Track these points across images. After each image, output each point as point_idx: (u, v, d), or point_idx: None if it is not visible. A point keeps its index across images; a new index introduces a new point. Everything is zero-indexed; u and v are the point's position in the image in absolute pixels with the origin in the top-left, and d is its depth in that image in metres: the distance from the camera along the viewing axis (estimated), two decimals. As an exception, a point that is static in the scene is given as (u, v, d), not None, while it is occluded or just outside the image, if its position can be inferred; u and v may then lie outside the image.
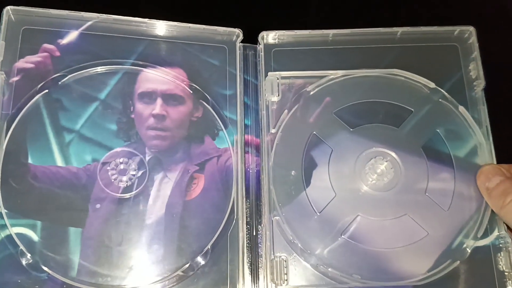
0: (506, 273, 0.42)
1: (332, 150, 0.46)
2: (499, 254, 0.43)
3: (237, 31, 0.48)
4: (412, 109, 0.47)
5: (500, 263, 0.42)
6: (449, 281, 0.42)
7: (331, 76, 0.48)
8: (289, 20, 0.54)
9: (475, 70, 0.47)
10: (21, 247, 0.40)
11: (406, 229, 0.44)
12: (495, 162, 0.45)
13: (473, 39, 0.48)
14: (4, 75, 0.43)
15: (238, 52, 0.48)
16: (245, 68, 0.49)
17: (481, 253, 0.43)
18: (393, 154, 0.46)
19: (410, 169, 0.45)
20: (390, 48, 0.48)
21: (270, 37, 0.49)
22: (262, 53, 0.49)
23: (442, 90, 0.47)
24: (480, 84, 0.47)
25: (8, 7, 0.44)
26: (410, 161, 0.46)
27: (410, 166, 0.45)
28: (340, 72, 0.48)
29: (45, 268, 0.40)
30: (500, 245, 0.43)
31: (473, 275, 0.43)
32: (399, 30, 0.48)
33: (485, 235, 0.43)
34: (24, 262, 0.40)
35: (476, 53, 0.47)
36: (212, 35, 0.48)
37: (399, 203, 0.45)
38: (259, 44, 0.49)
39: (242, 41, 0.49)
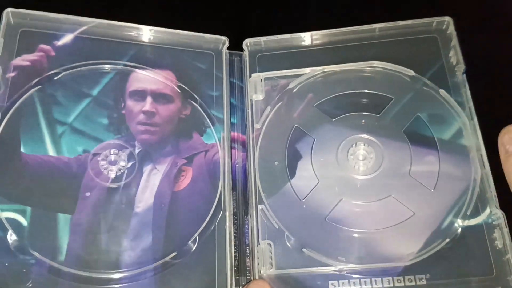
0: (503, 251, 0.42)
1: (315, 140, 0.48)
2: (493, 232, 0.43)
3: (224, 38, 0.52)
4: (393, 97, 0.49)
5: (496, 241, 0.43)
6: (440, 261, 0.42)
7: (311, 73, 0.50)
8: (273, 26, 0.58)
9: (455, 56, 0.49)
10: (10, 230, 0.40)
11: (391, 211, 0.45)
12: (481, 141, 0.46)
13: (451, 28, 0.50)
14: (1, 70, 0.45)
15: (224, 58, 0.52)
16: (231, 72, 0.52)
17: (473, 232, 0.43)
18: (375, 139, 0.47)
19: (392, 153, 0.47)
20: (370, 44, 0.51)
21: (253, 42, 0.52)
22: (247, 59, 0.52)
23: (422, 77, 0.49)
24: (460, 68, 0.49)
25: (8, 9, 0.47)
26: (392, 146, 0.47)
27: (392, 150, 0.47)
28: (319, 68, 0.50)
29: (33, 252, 0.40)
30: (494, 223, 0.43)
31: (466, 254, 0.43)
32: (377, 26, 0.51)
33: (476, 213, 0.44)
34: (12, 245, 0.40)
35: (455, 41, 0.49)
36: (200, 42, 0.52)
37: (382, 186, 0.46)
38: (244, 50, 0.52)
39: (228, 48, 0.52)
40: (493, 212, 0.44)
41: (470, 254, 0.43)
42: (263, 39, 0.52)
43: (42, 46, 0.47)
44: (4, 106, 0.44)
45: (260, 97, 0.50)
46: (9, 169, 0.43)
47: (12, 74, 0.46)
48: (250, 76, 0.51)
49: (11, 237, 0.40)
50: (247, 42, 0.52)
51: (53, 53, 0.48)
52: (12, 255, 0.40)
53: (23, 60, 0.46)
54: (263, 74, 0.51)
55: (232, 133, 0.49)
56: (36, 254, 0.40)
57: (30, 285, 0.39)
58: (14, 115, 0.45)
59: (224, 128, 0.49)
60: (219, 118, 0.49)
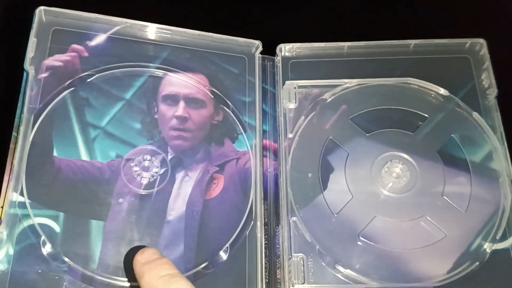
0: None
1: (349, 154, 0.48)
2: None
3: (257, 42, 0.51)
4: (427, 115, 0.49)
5: None
6: (469, 284, 0.43)
7: (347, 85, 0.50)
8: (306, 32, 0.57)
9: (487, 79, 0.49)
10: (43, 237, 0.40)
11: (423, 231, 0.45)
12: (510, 167, 0.46)
13: (484, 50, 0.50)
14: (34, 71, 0.44)
15: (257, 62, 0.51)
16: (264, 78, 0.51)
17: (501, 255, 0.44)
18: (409, 158, 0.47)
19: (426, 172, 0.47)
20: (403, 60, 0.51)
21: (287, 49, 0.51)
22: (280, 64, 0.51)
23: (455, 97, 0.49)
24: (492, 92, 0.49)
25: (41, 7, 0.46)
26: (426, 165, 0.47)
27: (426, 169, 0.47)
28: (355, 81, 0.50)
29: (66, 259, 0.40)
30: None
31: (494, 278, 0.43)
32: (412, 42, 0.51)
33: (504, 237, 0.44)
34: (45, 252, 0.40)
35: (487, 64, 0.50)
36: (233, 46, 0.51)
37: (416, 205, 0.46)
38: (277, 55, 0.51)
39: (261, 52, 0.51)
40: None
41: (496, 278, 0.43)
42: (296, 45, 0.51)
43: (75, 46, 0.46)
44: (37, 108, 0.44)
45: (293, 105, 0.50)
46: (42, 174, 0.42)
47: (44, 75, 0.45)
48: (283, 83, 0.50)
49: (44, 243, 0.40)
50: (281, 47, 0.51)
51: (86, 54, 0.47)
52: (45, 262, 0.40)
53: (55, 60, 0.46)
54: (297, 82, 0.50)
55: (264, 141, 0.48)
56: (69, 261, 0.40)
57: (63, 292, 0.39)
58: (47, 117, 0.44)
59: (256, 135, 0.48)
60: (251, 125, 0.48)
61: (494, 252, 0.44)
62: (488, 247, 0.44)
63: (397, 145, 0.48)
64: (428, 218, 0.45)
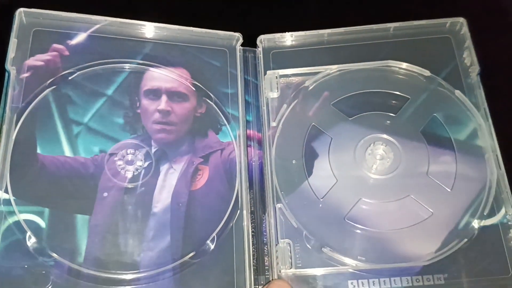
0: None
1: (332, 138, 0.48)
2: (509, 232, 0.43)
3: (237, 35, 0.51)
4: (409, 97, 0.49)
5: (511, 241, 0.43)
6: (458, 260, 0.43)
7: (327, 71, 0.50)
8: (286, 22, 0.57)
9: (469, 57, 0.49)
10: (29, 232, 0.40)
11: (410, 210, 0.45)
12: (496, 143, 0.46)
13: (465, 29, 0.50)
14: (15, 71, 0.45)
15: (238, 55, 0.51)
16: (245, 69, 0.51)
17: (489, 232, 0.43)
18: (392, 139, 0.47)
19: (410, 153, 0.47)
20: (384, 43, 0.51)
21: (268, 39, 0.51)
22: (261, 55, 0.51)
23: (437, 77, 0.49)
24: (475, 70, 0.49)
25: (21, 9, 0.47)
26: (410, 146, 0.47)
27: (410, 150, 0.47)
28: (335, 67, 0.50)
29: (52, 254, 0.40)
30: (509, 223, 0.43)
31: (483, 254, 0.43)
32: (392, 25, 0.51)
33: (491, 214, 0.44)
34: (31, 247, 0.40)
35: (468, 42, 0.50)
36: (213, 39, 0.51)
37: (401, 186, 0.46)
38: (258, 47, 0.52)
39: (242, 45, 0.51)
40: (509, 213, 0.44)
41: (486, 254, 0.43)
42: (277, 35, 0.52)
43: (56, 45, 0.47)
44: (19, 107, 0.44)
45: (276, 94, 0.50)
46: (26, 171, 0.42)
47: (26, 75, 0.45)
48: (264, 72, 0.50)
49: (30, 239, 0.40)
50: (261, 39, 0.52)
51: (66, 53, 0.47)
52: (31, 257, 0.40)
53: (36, 60, 0.46)
54: (278, 72, 0.50)
55: (248, 131, 0.49)
56: (55, 255, 0.40)
57: (50, 287, 0.39)
58: (29, 116, 0.44)
59: (240, 125, 0.48)
60: (235, 116, 0.49)
61: (483, 229, 0.44)
62: (476, 223, 0.44)
63: (380, 128, 0.48)
64: (414, 197, 0.45)
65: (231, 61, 0.51)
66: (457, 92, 0.49)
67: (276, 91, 0.50)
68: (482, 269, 0.43)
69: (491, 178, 0.45)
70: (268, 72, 0.50)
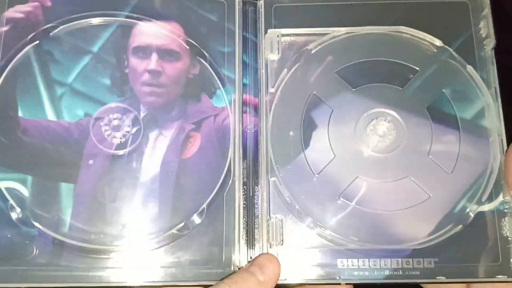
0: (510, 239, 0.41)
1: (333, 110, 0.45)
2: (503, 219, 0.42)
3: (237, -15, 0.46)
4: (418, 68, 0.46)
5: (504, 228, 0.42)
6: (450, 246, 0.42)
7: (334, 34, 0.46)
8: None
9: (486, 28, 0.46)
10: (11, 201, 0.39)
11: (407, 192, 0.43)
12: (502, 125, 0.43)
13: None
14: (-7, 24, 0.41)
15: (237, 7, 0.47)
16: (244, 25, 0.47)
17: (485, 218, 0.42)
18: (396, 115, 0.45)
19: (413, 130, 0.44)
20: (396, 4, 0.47)
21: (271, -8, 0.47)
22: (262, 9, 0.47)
23: (449, 48, 0.46)
24: (490, 43, 0.45)
25: (-2, -47, 0.42)
26: (414, 122, 0.44)
27: (413, 127, 0.44)
28: (343, 29, 0.46)
29: (36, 224, 0.39)
30: (505, 210, 0.42)
31: (476, 240, 0.42)
32: None
33: (489, 199, 0.42)
34: (14, 217, 0.39)
35: (487, 11, 0.46)
36: (210, -11, 0.47)
37: (400, 165, 0.44)
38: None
39: (242, -3, 0.47)
40: (506, 200, 0.42)
41: (479, 241, 0.42)
42: (281, -13, 0.47)
43: None
44: (-1, 65, 0.41)
45: (276, 56, 0.46)
46: (7, 136, 0.40)
47: (5, 29, 0.42)
48: (266, 32, 0.46)
49: (12, 208, 0.39)
50: (264, -10, 0.47)
51: (48, 3, 0.43)
52: (15, 227, 0.39)
53: (16, 11, 0.42)
54: (280, 31, 0.46)
55: (244, 96, 0.46)
56: (38, 225, 0.39)
57: (33, 256, 0.39)
58: (10, 75, 0.41)
59: (236, 89, 0.45)
60: (230, 78, 0.45)
61: (479, 214, 0.42)
62: (473, 209, 0.42)
63: (385, 101, 0.45)
64: (412, 178, 0.43)
65: (229, 15, 0.47)
66: (469, 68, 0.45)
67: (277, 52, 0.46)
68: (473, 255, 0.42)
69: (493, 163, 0.43)
70: (269, 30, 0.46)
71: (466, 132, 0.44)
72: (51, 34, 0.43)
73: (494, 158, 0.43)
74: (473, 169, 0.43)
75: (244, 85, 0.46)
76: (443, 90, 0.45)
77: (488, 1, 0.46)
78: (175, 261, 0.41)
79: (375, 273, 0.42)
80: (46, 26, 0.43)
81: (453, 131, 0.44)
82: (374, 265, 0.42)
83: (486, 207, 0.42)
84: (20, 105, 0.41)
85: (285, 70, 0.46)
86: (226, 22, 0.46)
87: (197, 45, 0.45)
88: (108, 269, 0.40)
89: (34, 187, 0.40)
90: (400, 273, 0.42)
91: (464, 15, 0.47)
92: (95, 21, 0.44)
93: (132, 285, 0.40)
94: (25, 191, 0.40)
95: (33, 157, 0.41)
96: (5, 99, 0.41)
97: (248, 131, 0.45)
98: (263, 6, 0.47)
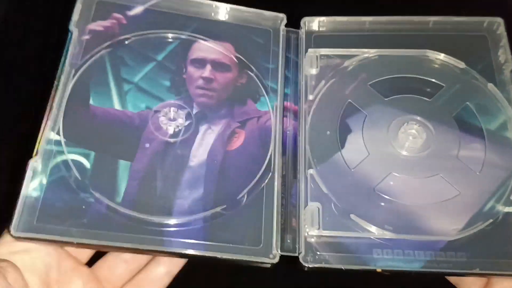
0: None
1: (366, 115, 0.49)
2: None
3: (282, 16, 0.54)
4: (444, 85, 0.50)
5: None
6: (482, 240, 0.43)
7: (366, 55, 0.52)
8: (329, 6, 0.60)
9: (504, 55, 0.51)
10: (74, 170, 0.43)
11: (438, 188, 0.45)
12: None
13: (501, 29, 0.51)
14: (77, 32, 0.49)
15: (281, 34, 0.54)
16: (287, 48, 0.54)
17: None
18: (426, 121, 0.49)
19: (441, 136, 0.48)
20: (423, 35, 0.53)
21: (311, 22, 0.54)
22: (304, 36, 0.54)
23: (472, 70, 0.50)
24: (508, 67, 0.50)
25: (87, -19, 0.52)
26: (442, 129, 0.48)
27: (441, 133, 0.48)
28: (373, 50, 0.52)
29: (93, 191, 0.43)
30: None
31: (507, 236, 0.43)
32: (432, 19, 0.53)
33: None
34: (74, 184, 0.43)
35: (504, 41, 0.51)
36: (258, 19, 0.54)
37: (431, 165, 0.46)
38: (301, 28, 0.54)
39: (285, 25, 0.54)
40: None
41: (510, 237, 0.43)
42: (320, 19, 0.54)
43: (115, 14, 0.51)
44: (78, 64, 0.48)
45: (315, 71, 0.52)
46: (78, 118, 0.46)
47: (86, 37, 0.50)
48: (305, 51, 0.53)
49: (74, 176, 0.43)
50: (305, 21, 0.54)
51: (124, 21, 0.52)
52: (74, 193, 0.43)
53: (97, 25, 0.51)
54: (319, 50, 0.53)
55: (285, 103, 0.51)
56: (95, 193, 0.43)
57: (85, 221, 0.42)
58: (86, 71, 0.48)
59: (278, 97, 0.50)
60: (273, 89, 0.51)
61: (507, 214, 0.44)
62: (501, 208, 0.44)
63: (414, 110, 0.49)
64: (442, 176, 0.46)
65: (274, 40, 0.54)
66: (490, 85, 0.50)
67: (316, 67, 0.52)
68: (505, 251, 0.43)
69: None
70: (309, 50, 0.52)
71: (491, 141, 0.48)
72: (125, 43, 0.50)
73: None
74: (499, 173, 0.46)
75: (285, 94, 0.51)
76: (468, 103, 0.49)
77: (505, 33, 0.52)
78: (216, 237, 0.43)
79: (410, 264, 0.43)
80: (121, 38, 0.51)
81: (479, 140, 0.48)
82: (409, 256, 0.43)
83: None
84: (92, 95, 0.47)
85: (323, 81, 0.51)
86: (272, 45, 0.53)
87: (245, 61, 0.52)
88: (153, 237, 0.42)
89: (96, 161, 0.45)
90: (435, 265, 0.42)
91: (484, 46, 0.52)
92: (162, 36, 0.52)
93: (174, 251, 0.42)
94: (87, 164, 0.44)
95: (97, 136, 0.46)
96: (80, 88, 0.47)
97: (288, 133, 0.49)
98: (304, 34, 0.54)
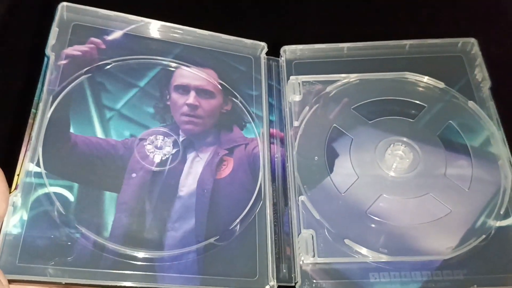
0: None
1: (353, 139, 0.50)
2: None
3: (262, 44, 0.54)
4: (426, 105, 0.52)
5: None
6: (477, 256, 0.43)
7: (347, 80, 0.53)
8: (307, 34, 0.61)
9: (480, 73, 0.52)
10: (57, 204, 0.40)
11: (429, 207, 0.46)
12: (508, 150, 0.48)
13: (476, 49, 0.53)
14: (53, 57, 0.47)
15: (263, 62, 0.54)
16: (269, 75, 0.54)
17: (506, 232, 0.45)
18: (411, 142, 0.50)
19: (428, 155, 0.49)
20: (400, 58, 0.54)
21: (290, 50, 0.55)
22: (284, 64, 0.54)
23: (452, 89, 0.52)
24: (486, 84, 0.52)
25: (63, 3, 0.49)
26: (428, 149, 0.49)
27: (427, 152, 0.49)
28: (354, 75, 0.53)
29: (79, 227, 0.40)
30: None
31: (501, 251, 0.44)
32: (408, 42, 0.54)
33: (507, 215, 0.45)
34: (58, 219, 0.40)
35: (479, 60, 0.53)
36: (239, 47, 0.54)
37: (420, 185, 0.47)
38: (281, 56, 0.54)
39: (266, 53, 0.54)
40: None
41: (505, 251, 0.44)
42: (299, 47, 0.55)
43: (93, 39, 0.49)
44: (56, 90, 0.46)
45: (298, 98, 0.52)
46: (58, 148, 0.43)
47: (64, 62, 0.47)
48: (287, 78, 0.53)
49: (58, 210, 0.40)
50: (285, 49, 0.54)
51: (103, 46, 0.50)
52: (58, 228, 0.40)
53: (74, 50, 0.48)
54: (301, 77, 0.53)
55: (271, 130, 0.50)
56: (81, 228, 0.40)
57: (74, 257, 0.39)
58: (65, 98, 0.46)
59: (264, 124, 0.50)
60: (258, 116, 0.51)
61: (500, 229, 0.45)
62: (492, 224, 0.45)
63: (399, 131, 0.50)
64: (432, 195, 0.47)
65: (256, 68, 0.54)
66: (471, 103, 0.51)
67: (299, 94, 0.52)
68: (501, 265, 0.43)
69: (504, 182, 0.47)
70: (291, 77, 0.53)
71: (476, 157, 0.49)
72: (104, 68, 0.48)
73: (506, 178, 0.47)
74: (488, 188, 0.47)
75: (270, 121, 0.51)
76: (450, 121, 0.51)
77: (480, 53, 0.53)
78: (211, 270, 0.41)
79: (408, 285, 0.43)
80: (100, 63, 0.49)
81: (465, 157, 0.49)
82: (405, 277, 0.43)
83: (504, 222, 0.45)
84: (72, 122, 0.45)
85: (307, 107, 0.51)
86: (254, 73, 0.53)
87: (229, 88, 0.51)
88: (144, 273, 0.40)
89: (80, 193, 0.42)
90: (432, 285, 0.43)
91: (460, 66, 0.54)
92: (144, 62, 0.50)
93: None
94: (71, 197, 0.42)
95: (80, 167, 0.43)
96: (59, 117, 0.45)
97: (276, 159, 0.49)
98: (284, 62, 0.54)
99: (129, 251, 0.40)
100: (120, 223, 0.42)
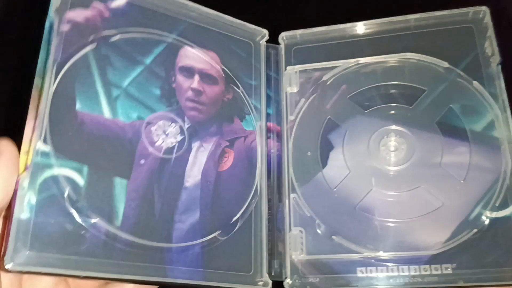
0: None
1: (346, 131, 0.50)
2: None
3: (264, 31, 0.54)
4: (426, 88, 0.49)
5: None
6: (467, 251, 0.43)
7: (345, 65, 0.52)
8: (308, 17, 0.60)
9: (490, 47, 0.48)
10: (68, 189, 0.38)
11: (420, 201, 0.45)
12: None
13: (487, 18, 0.49)
14: (57, 22, 0.42)
15: (262, 50, 0.54)
16: (268, 64, 0.54)
17: (501, 223, 0.43)
18: (407, 131, 0.48)
19: (424, 144, 0.47)
20: (405, 35, 0.51)
21: (289, 36, 0.54)
22: (283, 52, 0.54)
23: (456, 69, 0.49)
24: (495, 60, 0.47)
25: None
26: (424, 137, 0.47)
27: (424, 141, 0.47)
28: (353, 61, 0.51)
29: (92, 214, 0.39)
30: None
31: (492, 245, 0.43)
32: (413, 17, 0.50)
33: (505, 205, 0.43)
34: (69, 205, 0.38)
35: (490, 31, 0.48)
36: (241, 30, 0.53)
37: (413, 177, 0.46)
38: (280, 43, 0.54)
39: (266, 41, 0.54)
40: None
41: (496, 245, 0.43)
42: (298, 32, 0.53)
43: (96, 4, 0.45)
44: (59, 60, 0.42)
45: (295, 89, 0.52)
46: (65, 126, 0.40)
47: (66, 28, 0.43)
48: (285, 68, 0.53)
49: (69, 197, 0.38)
50: (283, 36, 0.54)
51: (107, 14, 0.46)
52: (68, 215, 0.38)
53: (77, 14, 0.44)
54: (297, 67, 0.53)
55: (268, 124, 0.51)
56: (95, 217, 0.39)
57: (87, 247, 0.38)
58: (69, 70, 0.42)
59: (262, 117, 0.51)
60: (256, 108, 0.51)
61: (494, 221, 0.43)
62: (487, 215, 0.44)
63: (395, 119, 0.49)
64: (425, 188, 0.46)
65: (255, 55, 0.53)
66: (475, 83, 0.48)
67: (296, 86, 0.52)
68: (491, 260, 0.42)
69: (505, 169, 0.45)
70: (287, 68, 0.52)
71: (476, 143, 0.46)
72: (110, 40, 0.45)
73: (506, 165, 0.45)
74: (485, 176, 0.45)
75: (268, 114, 0.52)
76: (451, 106, 0.48)
77: (491, 23, 0.49)
78: (211, 264, 0.43)
79: (395, 280, 0.44)
80: (105, 34, 0.45)
81: (464, 143, 0.46)
82: (393, 272, 0.44)
83: (501, 213, 0.43)
84: (78, 98, 0.42)
85: (303, 100, 0.52)
86: (253, 60, 0.53)
87: (231, 75, 0.51)
88: (156, 265, 0.40)
89: (90, 178, 0.40)
90: (419, 280, 0.43)
91: (470, 38, 0.49)
92: (149, 37, 0.47)
93: (170, 281, 0.41)
94: (80, 181, 0.40)
95: (89, 149, 0.41)
96: (64, 91, 0.41)
97: (272, 154, 0.50)
98: (283, 49, 0.54)
99: (139, 241, 0.40)
100: (131, 212, 0.41)
